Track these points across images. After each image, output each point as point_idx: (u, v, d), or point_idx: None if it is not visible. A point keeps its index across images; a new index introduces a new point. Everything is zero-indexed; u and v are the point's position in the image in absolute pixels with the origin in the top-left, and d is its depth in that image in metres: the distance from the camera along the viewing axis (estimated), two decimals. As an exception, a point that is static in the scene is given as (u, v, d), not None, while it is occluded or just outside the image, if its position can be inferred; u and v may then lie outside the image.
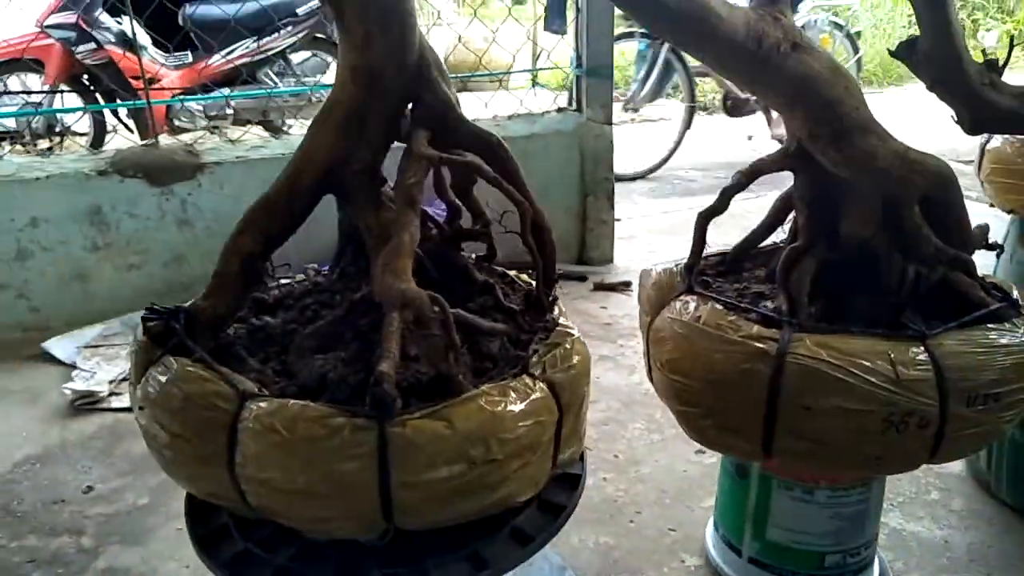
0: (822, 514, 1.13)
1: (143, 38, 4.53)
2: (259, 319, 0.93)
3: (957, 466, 1.55)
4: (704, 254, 1.29)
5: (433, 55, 0.90)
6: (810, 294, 1.07)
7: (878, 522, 1.22)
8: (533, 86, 2.69)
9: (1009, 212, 1.34)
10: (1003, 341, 0.98)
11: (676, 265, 1.19)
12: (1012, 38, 1.29)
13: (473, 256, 1.10)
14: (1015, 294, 1.09)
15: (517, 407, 0.78)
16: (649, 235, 3.36)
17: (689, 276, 1.14)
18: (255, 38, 4.82)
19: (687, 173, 4.79)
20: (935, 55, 1.12)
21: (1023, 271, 1.33)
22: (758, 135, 5.81)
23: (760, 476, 1.16)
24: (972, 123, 1.18)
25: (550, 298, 0.98)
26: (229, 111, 4.98)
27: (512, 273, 1.09)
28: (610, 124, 2.66)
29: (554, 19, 8.08)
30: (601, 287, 2.59)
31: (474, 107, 2.67)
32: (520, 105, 2.63)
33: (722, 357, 1.01)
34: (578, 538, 1.39)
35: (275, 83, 5.10)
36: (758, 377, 0.98)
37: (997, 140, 1.32)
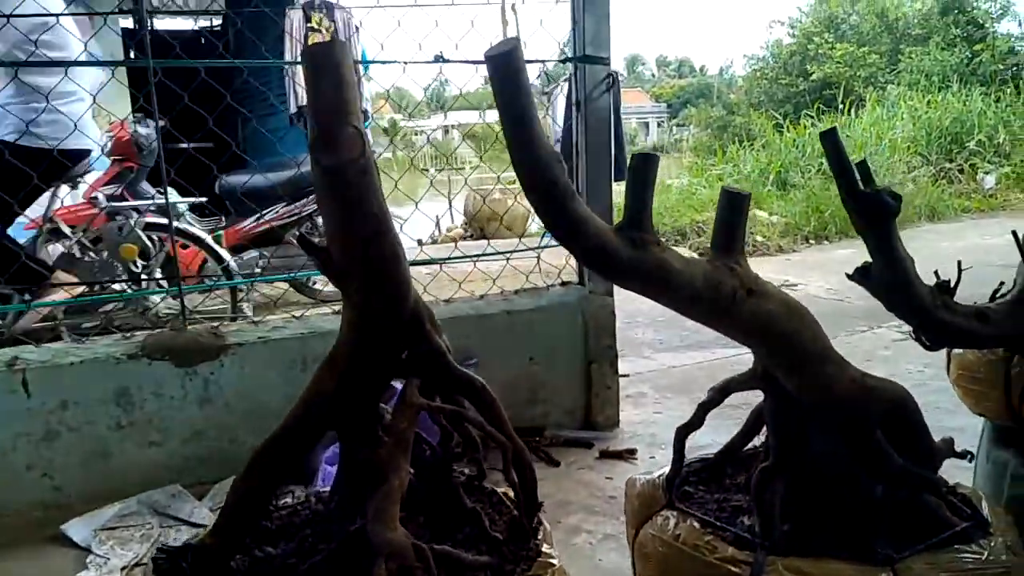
0: None
1: (180, 206, 4.88)
2: (261, 550, 1.00)
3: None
4: (687, 460, 1.37)
5: (427, 310, 1.03)
6: (783, 512, 1.13)
7: None
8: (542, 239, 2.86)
9: (979, 415, 1.40)
10: (969, 565, 1.02)
11: (659, 477, 1.25)
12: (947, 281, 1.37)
13: (464, 473, 1.18)
14: (984, 508, 1.14)
15: (496, 651, 0.83)
16: (656, 393, 3.42)
17: (670, 491, 1.20)
18: (285, 203, 5.16)
19: (694, 323, 4.90)
20: (886, 281, 1.23)
21: (999, 470, 1.38)
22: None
23: None
24: (931, 340, 1.28)
25: (533, 524, 1.05)
26: (258, 269, 5.24)
27: (500, 491, 1.16)
28: (611, 296, 2.80)
29: (622, 169, 8.52)
30: (607, 455, 2.63)
31: (484, 284, 2.82)
32: (527, 280, 2.79)
33: (700, 580, 1.06)
34: None
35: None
36: (734, 602, 1.02)
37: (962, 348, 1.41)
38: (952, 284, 1.28)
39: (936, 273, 1.32)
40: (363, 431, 1.00)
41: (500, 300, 2.71)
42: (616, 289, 2.86)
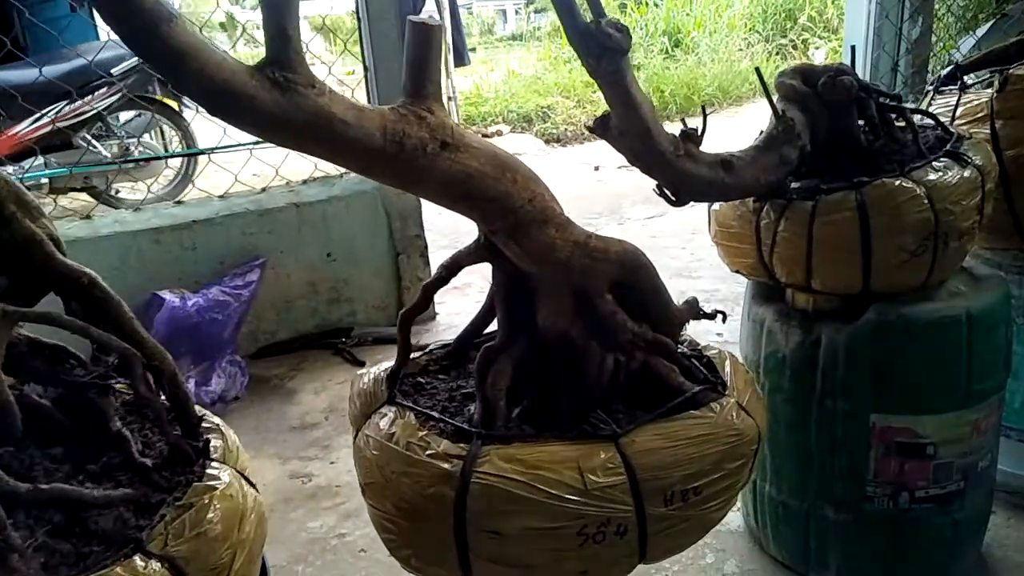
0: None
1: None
2: None
3: (736, 521, 1.54)
4: (430, 347, 1.23)
5: (11, 190, 0.78)
6: (513, 394, 1.00)
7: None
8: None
9: (736, 272, 1.33)
10: (697, 431, 0.94)
11: (384, 371, 1.10)
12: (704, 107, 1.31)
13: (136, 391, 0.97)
14: (726, 370, 1.07)
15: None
16: (484, 282, 3.29)
17: (390, 385, 1.05)
18: (67, 101, 4.50)
19: (533, 210, 4.80)
20: (626, 131, 1.09)
21: (758, 329, 1.32)
22: (605, 166, 5.93)
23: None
24: (674, 193, 1.17)
25: (199, 444, 0.87)
26: (44, 180, 4.62)
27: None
28: (415, 181, 2.59)
29: (463, 55, 8.06)
30: (416, 350, 2.49)
31: (267, 173, 2.54)
32: (315, 168, 2.51)
33: (409, 481, 0.92)
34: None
35: (94, 146, 4.79)
36: (443, 503, 0.89)
37: (719, 203, 1.32)
38: (700, 132, 1.17)
39: (683, 121, 1.20)
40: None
41: (285, 192, 2.44)
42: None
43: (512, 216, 0.96)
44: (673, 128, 1.15)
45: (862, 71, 3.32)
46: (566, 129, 7.34)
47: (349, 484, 1.79)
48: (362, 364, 2.43)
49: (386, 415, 1.00)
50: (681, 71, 8.12)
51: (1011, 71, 1.30)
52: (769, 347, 1.29)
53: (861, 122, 1.22)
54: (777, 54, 9.67)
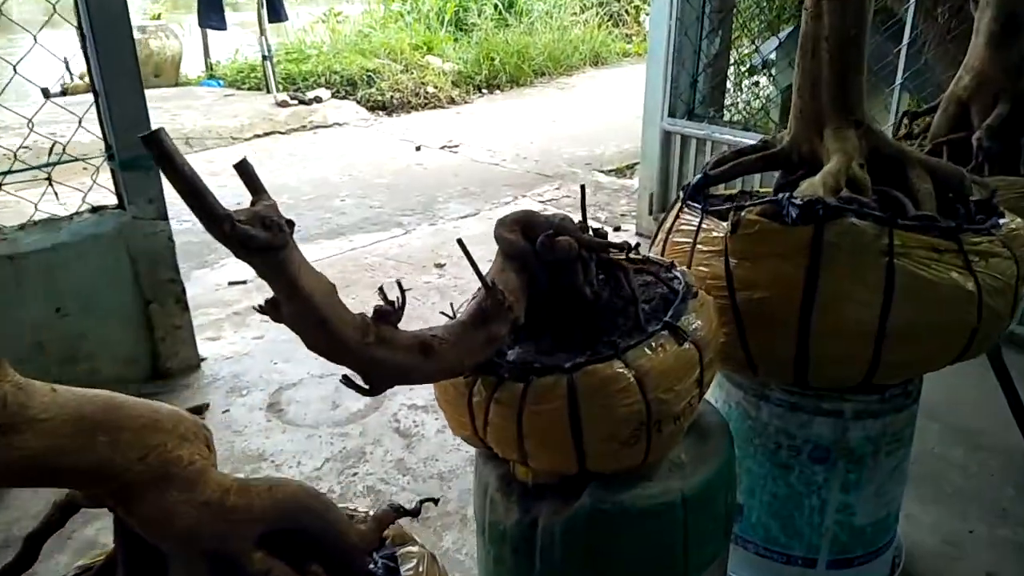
0: None
1: None
2: None
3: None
4: None
5: None
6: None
7: None
8: (49, 182, 2.11)
9: (460, 438, 1.20)
10: None
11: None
12: None
13: None
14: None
15: None
16: (267, 321, 3.02)
17: None
18: None
19: (343, 202, 4.49)
20: (297, 319, 0.91)
21: (483, 492, 1.19)
22: (428, 145, 5.68)
23: None
24: (369, 382, 1.00)
25: None
26: None
27: None
28: (165, 219, 2.26)
29: (209, 14, 7.23)
30: (171, 417, 2.22)
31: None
32: (35, 210, 2.12)
33: None
34: None
35: None
36: None
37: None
38: (398, 306, 1.00)
39: (381, 289, 1.04)
40: None
41: (-6, 242, 2.04)
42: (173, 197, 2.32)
43: (114, 482, 0.76)
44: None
45: (663, 86, 3.29)
46: (392, 96, 6.97)
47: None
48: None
49: None
50: (512, 38, 7.93)
51: (743, 214, 1.23)
52: (492, 516, 1.18)
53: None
54: (609, 19, 9.69)
